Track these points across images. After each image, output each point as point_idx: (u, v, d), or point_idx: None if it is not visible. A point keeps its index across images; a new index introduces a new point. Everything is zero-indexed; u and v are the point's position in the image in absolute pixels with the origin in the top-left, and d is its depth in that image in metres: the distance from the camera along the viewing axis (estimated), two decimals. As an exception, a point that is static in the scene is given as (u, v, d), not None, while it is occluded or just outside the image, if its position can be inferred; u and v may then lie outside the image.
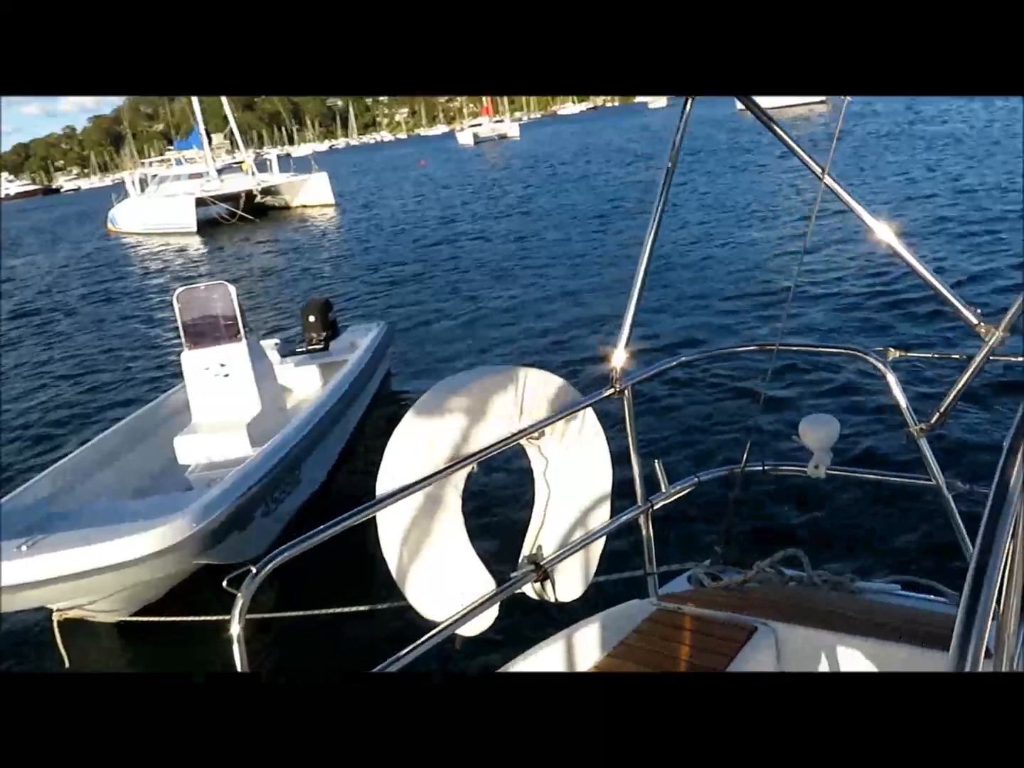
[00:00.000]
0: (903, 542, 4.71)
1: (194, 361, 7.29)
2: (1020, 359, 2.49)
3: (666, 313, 10.92)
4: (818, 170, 2.34)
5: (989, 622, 0.86)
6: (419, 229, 24.81)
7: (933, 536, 4.38)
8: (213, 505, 5.47)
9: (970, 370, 2.31)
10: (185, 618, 4.58)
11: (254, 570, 1.64)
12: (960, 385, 2.35)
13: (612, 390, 2.53)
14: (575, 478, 2.52)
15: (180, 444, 7.01)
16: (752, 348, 2.92)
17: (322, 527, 1.80)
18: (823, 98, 47.66)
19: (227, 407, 7.22)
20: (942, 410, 2.42)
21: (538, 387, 2.40)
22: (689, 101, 2.42)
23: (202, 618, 3.79)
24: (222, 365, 7.26)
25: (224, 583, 1.71)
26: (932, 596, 2.72)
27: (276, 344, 9.11)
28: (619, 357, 2.51)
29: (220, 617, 1.70)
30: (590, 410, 2.52)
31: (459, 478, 2.21)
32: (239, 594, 1.62)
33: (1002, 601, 0.94)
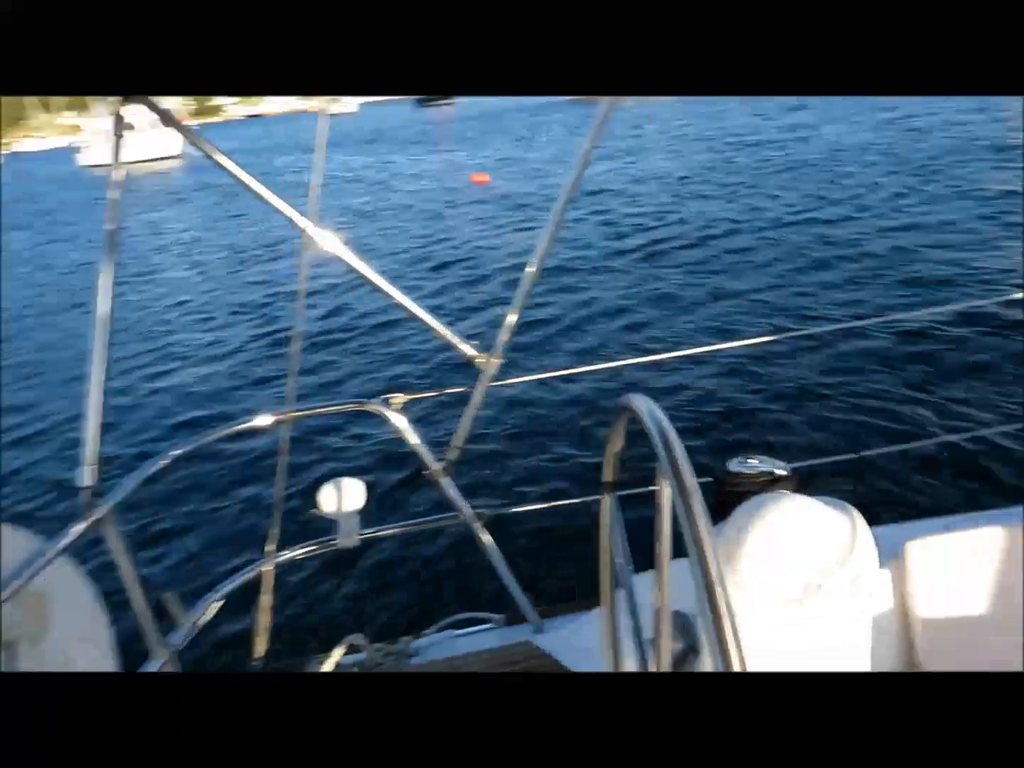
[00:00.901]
0: (449, 582, 4.79)
1: None
2: (513, 380, 2.60)
3: (127, 404, 8.55)
4: (313, 231, 2.05)
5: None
6: None
7: (473, 567, 4.52)
8: None
9: (474, 402, 2.31)
10: None
11: None
12: (467, 417, 2.35)
13: (87, 522, 1.90)
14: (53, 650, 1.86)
15: None
16: (250, 425, 2.45)
17: None
18: (177, 152, 47.77)
19: None
20: (457, 445, 2.40)
21: None
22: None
23: None
24: None
25: None
26: (483, 626, 2.73)
27: None
28: (87, 475, 1.88)
29: None
30: (62, 559, 1.86)
31: None
32: None
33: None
